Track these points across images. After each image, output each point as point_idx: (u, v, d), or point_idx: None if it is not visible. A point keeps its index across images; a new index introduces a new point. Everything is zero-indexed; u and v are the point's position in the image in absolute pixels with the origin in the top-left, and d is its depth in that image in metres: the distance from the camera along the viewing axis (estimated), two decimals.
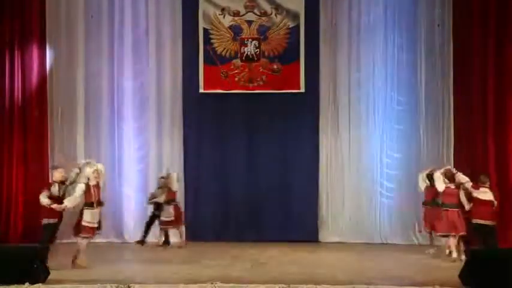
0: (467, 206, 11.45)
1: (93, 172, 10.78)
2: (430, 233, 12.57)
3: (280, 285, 8.71)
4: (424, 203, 12.68)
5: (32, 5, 14.06)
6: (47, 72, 14.22)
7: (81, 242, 10.75)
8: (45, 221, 10.81)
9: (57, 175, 11.00)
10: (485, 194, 11.32)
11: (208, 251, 12.59)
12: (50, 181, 11.27)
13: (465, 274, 8.87)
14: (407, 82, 14.27)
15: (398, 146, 14.28)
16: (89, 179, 10.74)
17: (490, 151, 13.33)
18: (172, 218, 13.32)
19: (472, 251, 9.30)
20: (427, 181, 12.41)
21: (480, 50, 13.49)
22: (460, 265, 9.08)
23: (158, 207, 13.49)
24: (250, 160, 14.44)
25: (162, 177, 13.62)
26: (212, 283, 8.83)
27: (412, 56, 14.24)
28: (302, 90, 14.34)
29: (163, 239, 13.52)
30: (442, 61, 14.09)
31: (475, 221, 11.28)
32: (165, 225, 13.45)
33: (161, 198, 13.37)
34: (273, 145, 14.36)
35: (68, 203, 10.64)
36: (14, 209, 13.82)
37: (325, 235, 14.27)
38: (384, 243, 13.85)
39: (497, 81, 13.32)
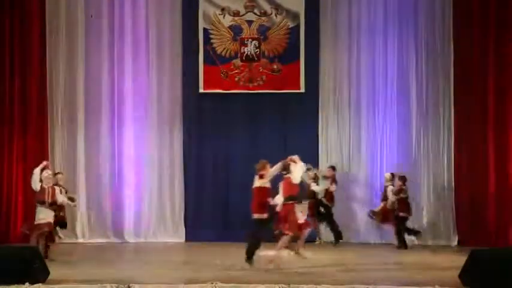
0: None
1: None
2: None
3: (280, 285, 8.68)
4: None
5: (32, 5, 14.07)
6: (47, 72, 14.22)
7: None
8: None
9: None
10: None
11: (208, 251, 12.57)
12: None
13: (465, 274, 8.85)
14: (407, 82, 14.27)
15: (398, 146, 14.28)
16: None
17: (490, 151, 13.35)
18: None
19: (472, 251, 9.27)
20: None
21: (480, 50, 13.51)
22: (460, 265, 9.06)
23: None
24: (250, 160, 14.34)
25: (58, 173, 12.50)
26: (212, 283, 8.80)
27: (412, 56, 14.25)
28: (302, 90, 14.35)
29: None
30: (442, 61, 14.10)
31: None
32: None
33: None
34: (272, 145, 14.32)
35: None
36: (14, 209, 13.81)
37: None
38: (383, 243, 13.84)
39: (497, 81, 13.34)
